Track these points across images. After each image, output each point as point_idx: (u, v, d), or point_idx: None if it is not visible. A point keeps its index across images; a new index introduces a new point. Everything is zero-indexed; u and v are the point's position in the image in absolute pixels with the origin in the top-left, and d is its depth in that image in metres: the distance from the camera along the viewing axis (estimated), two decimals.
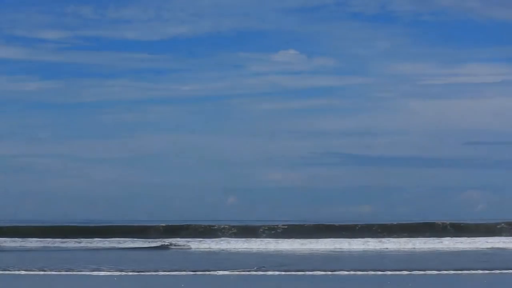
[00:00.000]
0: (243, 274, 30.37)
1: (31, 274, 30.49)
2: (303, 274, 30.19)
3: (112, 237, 54.18)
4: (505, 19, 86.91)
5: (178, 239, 52.75)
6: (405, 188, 78.98)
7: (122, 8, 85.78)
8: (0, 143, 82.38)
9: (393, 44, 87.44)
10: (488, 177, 77.74)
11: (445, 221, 57.33)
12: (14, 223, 61.39)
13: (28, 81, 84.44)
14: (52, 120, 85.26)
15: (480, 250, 47.25)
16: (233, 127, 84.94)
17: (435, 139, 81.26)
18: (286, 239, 51.14)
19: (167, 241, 51.99)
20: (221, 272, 30.61)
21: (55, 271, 31.49)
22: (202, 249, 48.43)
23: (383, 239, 51.65)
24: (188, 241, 51.49)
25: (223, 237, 54.20)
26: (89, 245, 51.33)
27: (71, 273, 30.98)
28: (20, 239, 53.55)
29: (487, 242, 50.73)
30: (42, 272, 31.10)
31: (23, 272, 31.08)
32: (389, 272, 30.54)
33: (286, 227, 56.83)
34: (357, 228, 56.47)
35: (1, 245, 51.13)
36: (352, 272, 30.58)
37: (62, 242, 52.32)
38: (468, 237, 52.80)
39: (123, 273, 30.78)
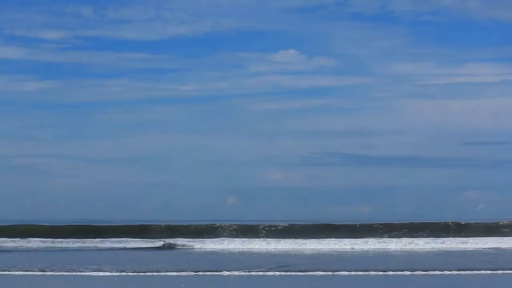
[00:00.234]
0: (253, 275, 30.21)
1: (32, 275, 30.36)
2: (314, 275, 30.09)
3: (112, 237, 54.14)
4: (505, 19, 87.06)
5: (179, 239, 52.59)
6: (405, 188, 78.97)
7: (122, 8, 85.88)
8: (0, 143, 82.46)
9: (393, 44, 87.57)
10: (488, 177, 77.81)
11: (447, 221, 57.35)
12: (14, 223, 61.31)
13: (28, 81, 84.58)
14: (52, 120, 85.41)
15: (483, 250, 47.25)
16: (233, 127, 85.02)
17: (435, 139, 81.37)
18: (292, 239, 50.93)
19: (169, 241, 51.83)
20: (227, 273, 30.45)
21: (56, 272, 31.38)
22: (205, 249, 48.25)
23: (385, 239, 51.64)
24: (191, 241, 51.39)
25: (225, 237, 54.16)
26: (90, 245, 51.25)
27: (72, 273, 30.85)
28: (20, 239, 53.47)
29: (489, 242, 50.81)
30: (42, 273, 30.96)
31: (23, 273, 30.95)
32: (391, 272, 30.47)
33: (290, 227, 56.93)
34: (358, 227, 56.54)
35: (1, 245, 51.06)
36: (353, 273, 30.53)
37: (63, 242, 52.29)
38: (471, 237, 52.81)
39: (124, 273, 30.66)
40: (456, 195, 77.54)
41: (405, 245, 49.31)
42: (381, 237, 53.50)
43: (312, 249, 47.83)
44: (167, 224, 58.72)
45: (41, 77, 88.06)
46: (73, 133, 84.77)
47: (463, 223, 56.75)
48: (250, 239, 52.40)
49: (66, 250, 48.41)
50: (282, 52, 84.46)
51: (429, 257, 41.46)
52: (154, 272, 31.10)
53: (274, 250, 47.76)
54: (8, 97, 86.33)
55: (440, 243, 50.07)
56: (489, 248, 48.21)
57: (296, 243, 49.64)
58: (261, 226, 56.61)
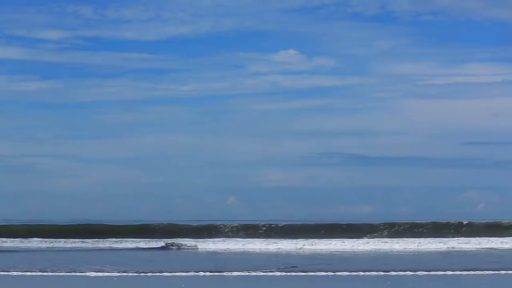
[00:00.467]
0: (262, 275, 30.07)
1: (32, 275, 30.20)
2: (326, 275, 29.99)
3: (113, 237, 54.04)
4: (505, 19, 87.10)
5: (181, 239, 52.37)
6: (405, 188, 79.02)
7: (122, 8, 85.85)
8: (0, 143, 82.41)
9: (393, 44, 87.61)
10: (488, 177, 77.81)
11: (447, 221, 57.33)
12: (14, 223, 61.24)
13: (28, 81, 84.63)
14: (52, 120, 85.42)
15: (485, 250, 47.22)
16: (233, 127, 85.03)
17: (435, 139, 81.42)
18: (298, 240, 50.86)
19: (171, 241, 51.61)
20: (236, 273, 30.28)
21: (57, 272, 31.20)
22: (209, 249, 48.00)
23: (386, 239, 51.57)
24: (193, 241, 51.18)
25: (228, 236, 54.05)
26: (90, 245, 51.13)
27: (73, 274, 30.68)
28: (20, 240, 53.38)
29: (491, 242, 50.79)
30: (43, 273, 30.79)
31: (23, 273, 30.79)
32: (393, 273, 30.38)
33: (296, 226, 56.95)
34: (358, 227, 56.52)
35: (1, 245, 50.97)
36: (354, 273, 30.44)
37: (63, 242, 52.18)
38: (472, 237, 52.78)
39: (127, 274, 30.54)
40: (456, 195, 77.59)
41: (407, 245, 49.24)
42: (381, 237, 53.49)
43: (317, 249, 47.77)
44: (168, 223, 58.60)
45: (41, 77, 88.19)
46: (73, 133, 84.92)
47: (465, 222, 56.70)
48: (254, 239, 52.23)
49: (66, 250, 48.24)
50: (282, 52, 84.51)
51: (429, 257, 41.35)
52: (157, 272, 30.91)
53: (278, 250, 47.64)
54: (8, 97, 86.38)
55: (440, 243, 49.99)
56: (491, 248, 48.17)
57: (303, 243, 49.51)
58: (265, 226, 56.57)
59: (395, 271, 30.68)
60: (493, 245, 49.69)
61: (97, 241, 52.36)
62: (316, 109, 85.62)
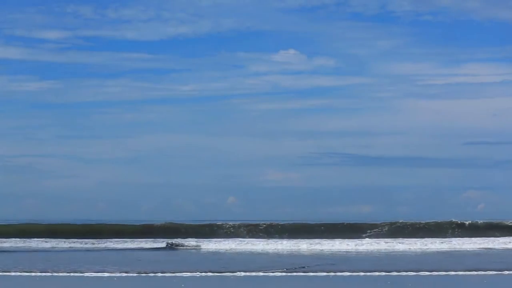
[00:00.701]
0: (272, 276, 29.91)
1: (32, 276, 30.00)
2: (341, 275, 29.88)
3: (113, 237, 53.94)
4: (505, 19, 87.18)
5: (183, 239, 52.14)
6: (405, 188, 79.03)
7: (122, 8, 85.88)
8: (0, 143, 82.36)
9: (393, 44, 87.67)
10: (488, 177, 77.81)
11: (447, 221, 57.30)
12: (14, 223, 61.12)
13: (28, 81, 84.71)
14: (52, 120, 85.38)
15: (488, 250, 47.17)
16: (233, 127, 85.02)
17: (435, 139, 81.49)
18: (303, 240, 50.71)
19: (173, 241, 51.35)
20: (243, 273, 30.08)
21: (58, 273, 31.01)
22: (213, 250, 47.70)
23: (387, 239, 51.49)
24: (196, 241, 51.00)
25: (231, 237, 53.92)
26: (91, 245, 50.97)
27: (74, 274, 30.48)
28: (20, 240, 53.26)
29: (494, 242, 50.75)
30: (43, 274, 30.62)
31: (23, 274, 30.62)
32: (395, 273, 30.28)
33: (300, 226, 56.92)
34: (358, 227, 56.49)
35: (1, 245, 50.84)
36: (355, 273, 30.32)
37: (64, 243, 52.06)
38: (473, 237, 52.74)
39: (129, 274, 30.36)
40: (456, 195, 77.56)
41: (408, 245, 49.15)
42: (382, 237, 53.42)
43: (321, 249, 47.66)
44: (170, 223, 58.50)
45: (41, 77, 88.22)
46: (73, 133, 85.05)
47: (467, 222, 56.66)
48: (257, 239, 52.12)
49: (67, 250, 48.12)
50: (282, 52, 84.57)
51: (430, 257, 41.26)
52: (159, 273, 30.72)
53: (283, 250, 47.52)
54: (8, 97, 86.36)
55: (442, 243, 49.92)
56: (493, 248, 48.11)
57: (306, 243, 49.37)
58: (269, 225, 56.58)
59: (397, 272, 30.65)
60: (494, 245, 49.61)
61: (98, 241, 52.25)
62: (316, 109, 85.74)
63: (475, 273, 30.40)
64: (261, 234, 55.21)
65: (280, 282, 27.95)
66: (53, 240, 53.02)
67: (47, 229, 57.43)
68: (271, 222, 57.57)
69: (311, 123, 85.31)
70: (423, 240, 50.75)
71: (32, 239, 53.32)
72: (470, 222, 57.06)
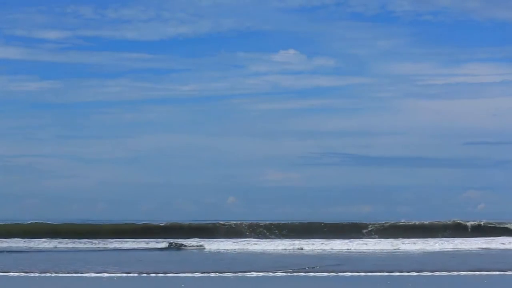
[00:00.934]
0: (285, 276, 29.78)
1: (33, 276, 29.84)
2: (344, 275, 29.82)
3: (114, 238, 53.79)
4: (505, 19, 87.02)
5: (183, 239, 52.00)
6: (405, 188, 78.92)
7: (122, 8, 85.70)
8: (0, 143, 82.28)
9: (393, 44, 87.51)
10: (488, 177, 77.73)
11: (447, 220, 57.24)
12: (14, 223, 60.89)
13: (28, 81, 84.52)
14: (52, 120, 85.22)
15: (489, 250, 47.10)
16: (233, 127, 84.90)
17: (435, 139, 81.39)
18: (302, 240, 50.67)
19: (175, 241, 51.06)
20: (255, 274, 30.00)
21: (59, 273, 30.84)
22: (217, 250, 47.43)
23: (390, 239, 51.36)
24: (199, 241, 50.83)
25: (232, 237, 53.75)
26: (92, 245, 50.75)
27: (75, 275, 30.32)
28: (20, 240, 53.09)
29: (494, 242, 50.66)
30: (44, 274, 30.47)
31: (23, 274, 30.46)
32: (396, 273, 30.16)
33: (301, 226, 56.86)
34: (357, 227, 56.45)
35: (1, 245, 50.68)
36: (356, 274, 30.20)
37: (64, 243, 51.85)
38: (473, 237, 52.67)
39: (131, 274, 30.19)
40: (456, 195, 77.46)
41: (409, 245, 49.05)
42: (382, 237, 53.35)
43: (325, 249, 47.56)
44: (171, 223, 58.32)
45: (41, 77, 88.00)
46: (73, 133, 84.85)
47: (467, 222, 56.60)
48: (261, 239, 51.88)
49: (67, 250, 47.92)
50: (282, 52, 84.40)
51: (431, 257, 41.19)
52: (161, 273, 30.56)
53: (291, 249, 47.44)
54: (8, 97, 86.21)
55: (443, 243, 49.82)
56: (495, 249, 48.04)
57: (311, 243, 49.21)
58: (275, 225, 56.52)
59: (399, 272, 30.53)
60: (494, 246, 49.54)
61: (99, 241, 52.09)
62: (316, 109, 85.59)
63: (478, 273, 30.32)
64: (267, 234, 55.14)
65: (295, 282, 27.90)
66: (53, 240, 52.81)
67: (47, 229, 57.24)
68: (278, 222, 57.54)
69: (311, 123, 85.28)
70: (424, 240, 50.62)
71: (32, 239, 53.12)
72: (472, 222, 57.01)
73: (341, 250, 46.66)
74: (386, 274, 29.88)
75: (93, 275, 29.87)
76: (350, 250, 46.76)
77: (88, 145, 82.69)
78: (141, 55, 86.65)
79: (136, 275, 29.93)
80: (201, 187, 78.67)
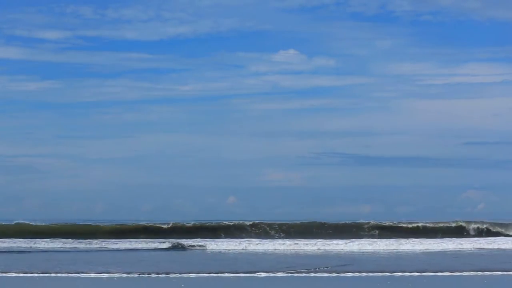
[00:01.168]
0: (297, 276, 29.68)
1: (33, 276, 29.77)
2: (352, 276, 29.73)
3: (114, 238, 53.70)
4: (505, 19, 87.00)
5: (186, 240, 51.90)
6: (405, 188, 78.84)
7: (122, 8, 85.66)
8: (0, 143, 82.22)
9: (393, 44, 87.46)
10: (488, 177, 77.67)
11: (447, 221, 57.22)
12: (13, 223, 60.83)
13: (28, 81, 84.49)
14: (52, 120, 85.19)
15: (488, 250, 47.01)
16: (233, 127, 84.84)
17: (435, 139, 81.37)
18: (306, 239, 50.58)
19: (177, 241, 50.89)
20: (263, 274, 29.87)
21: (59, 274, 30.77)
22: (220, 250, 47.29)
23: (390, 239, 51.29)
24: (201, 242, 50.65)
25: (233, 237, 53.68)
26: (92, 245, 50.61)
27: (76, 275, 30.19)
28: (20, 240, 52.99)
29: (495, 242, 50.61)
30: (44, 274, 30.40)
31: (24, 275, 30.35)
32: (398, 274, 30.08)
33: (302, 225, 56.80)
34: (357, 227, 56.42)
35: (1, 245, 50.58)
36: (357, 274, 30.12)
37: (64, 243, 51.77)
38: (473, 237, 52.64)
39: (131, 275, 30.10)
40: (456, 195, 77.38)
41: (409, 245, 48.98)
42: (383, 237, 53.31)
43: (327, 249, 47.54)
44: (173, 223, 58.20)
45: (41, 77, 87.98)
46: (73, 133, 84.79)
47: (466, 222, 56.56)
48: (264, 239, 51.85)
49: (68, 250, 47.80)
50: (282, 52, 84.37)
51: (432, 257, 41.13)
52: (163, 274, 30.45)
53: (299, 250, 47.38)
54: (8, 97, 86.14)
55: (443, 243, 49.76)
56: (496, 249, 48.00)
57: (313, 243, 49.12)
58: (279, 225, 56.46)
59: (401, 272, 30.44)
60: (496, 246, 49.50)
61: (99, 241, 52.00)
62: (316, 109, 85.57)
63: (481, 273, 30.25)
64: (272, 234, 55.11)
65: (309, 282, 27.82)
66: (53, 240, 52.71)
67: (47, 229, 57.18)
68: (278, 222, 57.46)
69: (311, 123, 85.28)
70: (425, 240, 50.56)
71: (32, 239, 53.01)
72: (472, 222, 56.96)
73: (341, 250, 46.58)
74: (388, 274, 29.81)
75: (94, 275, 29.75)
76: (350, 250, 46.67)
77: (88, 145, 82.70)
78: (141, 55, 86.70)
79: (136, 275, 29.82)
80: (201, 187, 78.71)
